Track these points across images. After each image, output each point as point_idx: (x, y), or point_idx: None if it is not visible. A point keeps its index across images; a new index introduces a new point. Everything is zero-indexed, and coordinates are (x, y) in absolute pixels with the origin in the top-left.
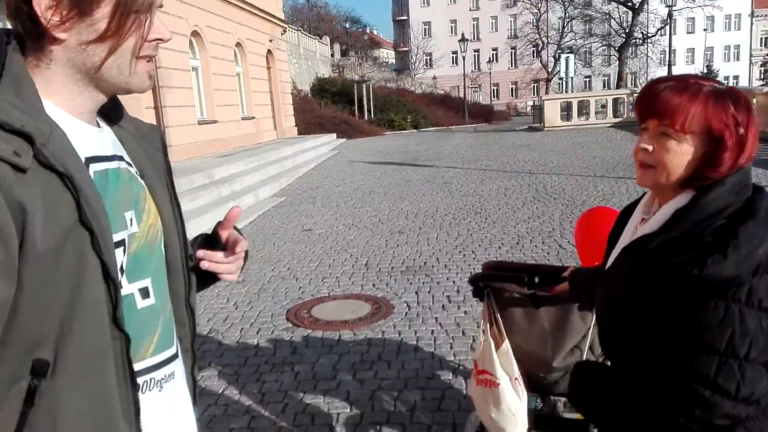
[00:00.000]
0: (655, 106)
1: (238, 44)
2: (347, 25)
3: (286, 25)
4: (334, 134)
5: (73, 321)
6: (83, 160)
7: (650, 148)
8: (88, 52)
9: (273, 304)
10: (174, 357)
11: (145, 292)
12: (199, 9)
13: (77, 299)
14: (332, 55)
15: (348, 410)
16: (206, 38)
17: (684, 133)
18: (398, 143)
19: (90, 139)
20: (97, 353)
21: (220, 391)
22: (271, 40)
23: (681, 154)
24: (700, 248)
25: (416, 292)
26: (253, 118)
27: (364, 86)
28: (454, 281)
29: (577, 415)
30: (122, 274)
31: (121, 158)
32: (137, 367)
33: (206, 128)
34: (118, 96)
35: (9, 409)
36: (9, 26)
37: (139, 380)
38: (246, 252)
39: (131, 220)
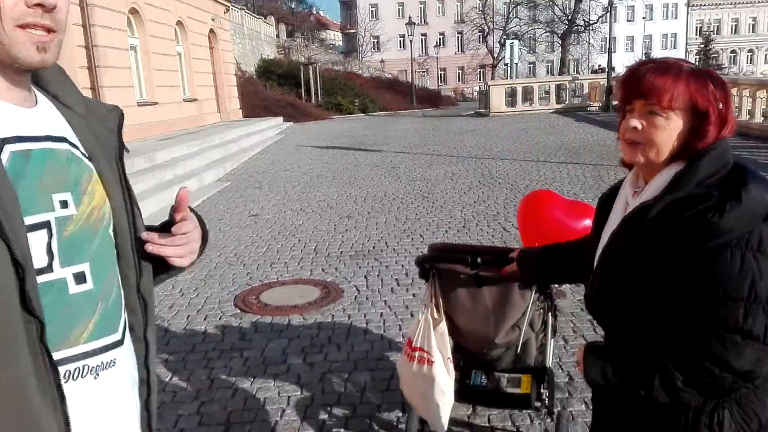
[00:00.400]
0: (641, 87)
1: (178, 23)
2: (293, 5)
3: (228, 4)
4: (281, 117)
5: None
6: None
7: (639, 126)
8: None
9: (220, 291)
10: (117, 344)
11: (80, 277)
12: None
13: None
14: (278, 36)
15: (299, 393)
16: (145, 16)
17: (670, 109)
18: (346, 127)
19: (10, 118)
20: (6, 339)
21: (168, 378)
22: (213, 19)
23: (669, 129)
24: (713, 198)
25: (365, 276)
26: (196, 99)
27: (311, 68)
28: (402, 265)
29: (519, 390)
30: (53, 258)
31: (62, 139)
32: (68, 353)
33: (146, 110)
34: (66, 74)
35: None
36: None
37: (69, 366)
38: (205, 236)
39: (64, 202)
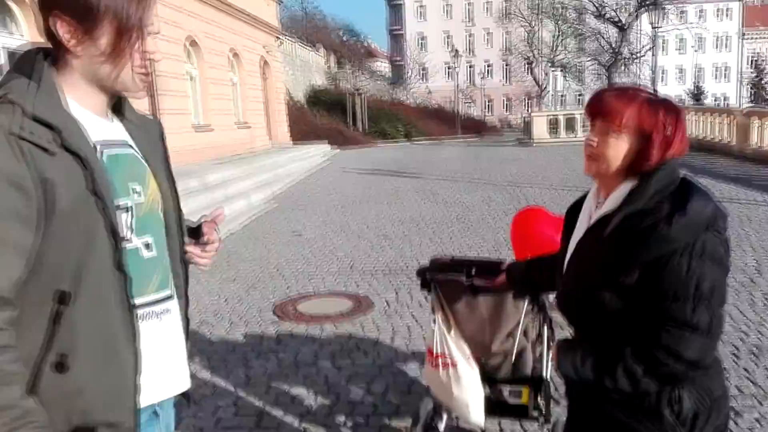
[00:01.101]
0: (599, 108)
1: (234, 53)
2: (343, 36)
3: (281, 35)
4: (327, 144)
5: (87, 263)
6: (94, 145)
7: (594, 142)
8: (96, 64)
9: (261, 300)
10: (169, 297)
11: (148, 246)
12: (195, 16)
13: (90, 247)
14: (328, 66)
15: (326, 392)
16: (203, 46)
17: (620, 130)
18: (390, 154)
19: (102, 129)
20: (104, 288)
21: (209, 374)
22: (267, 50)
23: (618, 147)
24: (663, 211)
25: (396, 291)
26: (248, 125)
27: (359, 97)
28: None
29: (520, 401)
30: (132, 232)
31: (129, 145)
32: (141, 300)
33: (201, 134)
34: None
35: (40, 326)
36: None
37: (142, 311)
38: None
39: (137, 191)
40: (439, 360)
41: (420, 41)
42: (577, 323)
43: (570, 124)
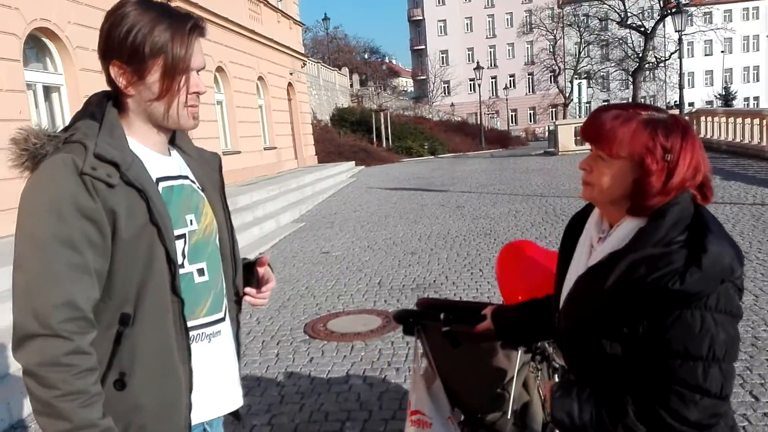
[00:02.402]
0: (592, 131)
1: (260, 78)
2: (366, 56)
3: (306, 59)
4: (353, 162)
5: (146, 287)
6: (154, 179)
7: (587, 168)
8: (148, 104)
9: (292, 319)
10: (221, 320)
11: (201, 272)
12: (224, 46)
13: (149, 273)
14: (351, 85)
15: (358, 409)
16: (230, 73)
17: (612, 157)
18: (415, 170)
19: (160, 164)
20: (161, 310)
21: (244, 393)
22: (291, 73)
23: (610, 176)
24: (675, 263)
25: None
26: (275, 148)
27: (382, 115)
28: (460, 296)
29: None
30: (185, 258)
31: (186, 177)
32: (193, 323)
33: (230, 158)
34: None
35: (105, 347)
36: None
37: (194, 333)
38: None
39: (191, 220)
40: (415, 417)
41: (442, 57)
42: (573, 364)
43: None
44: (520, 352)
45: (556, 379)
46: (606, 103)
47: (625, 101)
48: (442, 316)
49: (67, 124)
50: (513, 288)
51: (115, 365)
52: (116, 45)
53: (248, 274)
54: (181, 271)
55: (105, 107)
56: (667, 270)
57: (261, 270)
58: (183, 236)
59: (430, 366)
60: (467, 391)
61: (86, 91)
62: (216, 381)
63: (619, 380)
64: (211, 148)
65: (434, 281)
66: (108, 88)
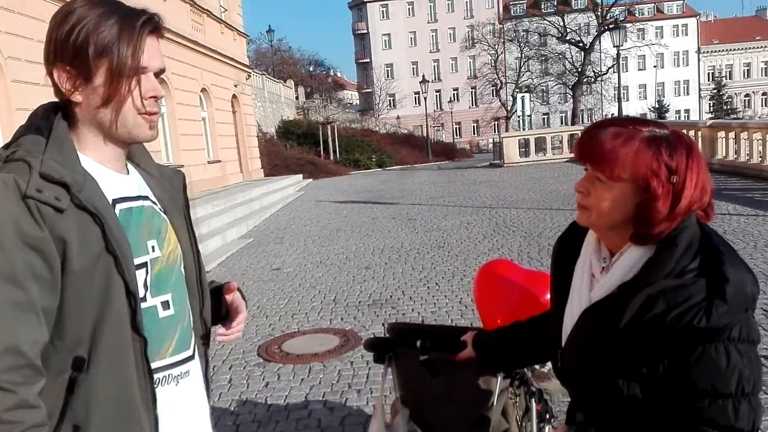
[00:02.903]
0: (589, 151)
1: (203, 90)
2: (311, 68)
3: (250, 70)
4: (300, 175)
5: (103, 326)
6: (110, 201)
7: (584, 190)
8: (95, 110)
9: (244, 342)
10: (190, 358)
11: (165, 305)
12: (165, 57)
13: (105, 309)
14: (297, 98)
15: None
16: (172, 84)
17: (613, 180)
18: (364, 182)
19: (117, 184)
20: (120, 352)
21: None
22: (236, 85)
23: (611, 200)
24: (695, 296)
25: (383, 324)
26: (220, 161)
27: (329, 127)
28: (419, 312)
29: None
30: (147, 290)
31: (146, 198)
32: (158, 364)
33: None
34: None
35: (54, 396)
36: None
37: (159, 375)
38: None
39: (153, 247)
40: None
41: (387, 70)
42: (583, 404)
43: (540, 145)
44: (499, 378)
45: (533, 404)
46: (604, 119)
47: (563, 114)
48: (418, 344)
49: (7, 141)
50: (492, 311)
51: (68, 418)
52: (59, 46)
53: (214, 302)
54: (143, 305)
55: (52, 120)
56: (688, 305)
57: (229, 297)
58: (144, 265)
59: (397, 398)
60: (444, 421)
61: (18, 104)
62: (185, 429)
63: (640, 423)
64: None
65: (391, 296)
66: (56, 99)
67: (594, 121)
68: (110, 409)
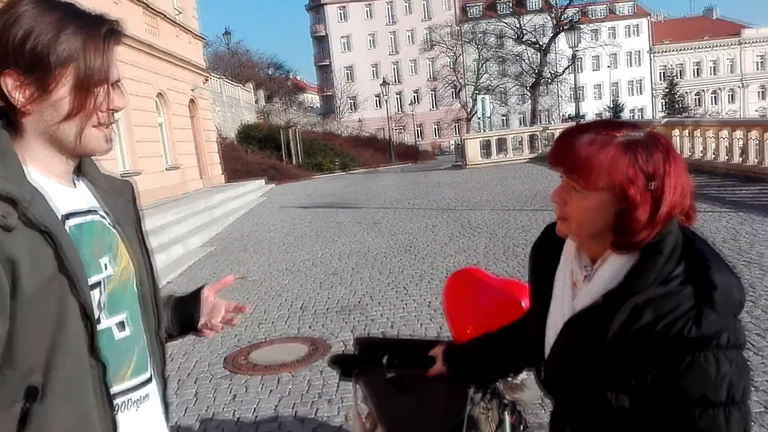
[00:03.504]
0: (563, 159)
1: (159, 94)
2: (270, 71)
3: (207, 74)
4: (263, 180)
5: (58, 352)
6: (60, 217)
7: (559, 201)
8: (54, 125)
9: (209, 353)
10: (148, 381)
11: (121, 326)
12: (119, 61)
13: (60, 334)
14: (257, 101)
15: None
16: (126, 90)
17: (589, 190)
18: (327, 186)
19: (66, 198)
20: (78, 379)
21: None
22: (193, 89)
23: (587, 209)
24: (683, 304)
25: (352, 330)
26: (179, 167)
27: (291, 131)
28: (388, 317)
29: None
30: (101, 311)
31: (95, 212)
32: (117, 389)
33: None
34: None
35: (6, 429)
36: None
37: (118, 400)
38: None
39: (106, 264)
40: None
41: (347, 72)
42: (568, 416)
43: (501, 146)
44: (470, 391)
45: (507, 417)
46: (577, 124)
47: (522, 114)
48: (385, 360)
49: None
50: (462, 321)
51: None
52: (11, 51)
53: (187, 309)
54: (98, 326)
55: None
56: (677, 315)
57: (211, 295)
58: (98, 284)
59: (371, 411)
60: None
61: None
62: None
63: (622, 428)
64: (109, 169)
65: (359, 302)
66: None
67: (552, 120)
68: None
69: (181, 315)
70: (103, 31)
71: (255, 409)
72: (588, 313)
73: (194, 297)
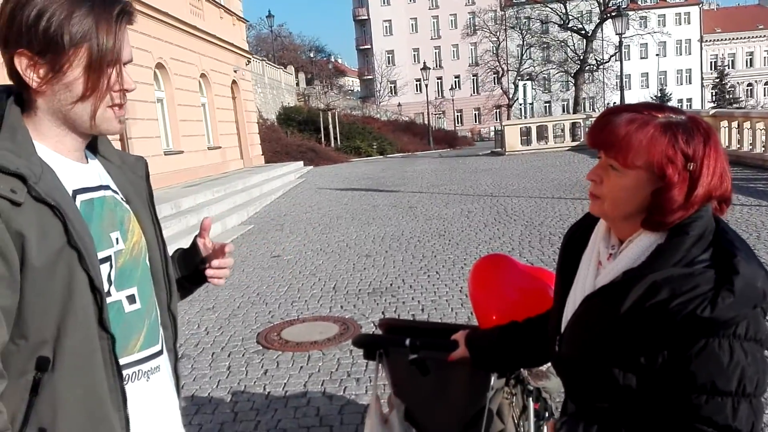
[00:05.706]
0: (603, 137)
1: (202, 75)
2: (311, 54)
3: (250, 56)
4: (301, 162)
5: (67, 324)
6: (70, 192)
7: (596, 179)
8: (67, 105)
9: (243, 329)
10: (159, 353)
11: (131, 299)
12: (164, 41)
13: (69, 306)
14: (297, 84)
15: (318, 425)
16: (171, 70)
17: (627, 167)
18: (364, 170)
19: (77, 174)
20: (87, 351)
21: (194, 412)
22: (235, 71)
23: (625, 188)
24: (702, 286)
25: (383, 312)
26: (219, 147)
27: (330, 114)
28: (419, 301)
29: None
30: (111, 284)
31: (107, 187)
32: (127, 360)
33: (172, 159)
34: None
35: (18, 398)
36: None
37: (128, 371)
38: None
39: (117, 239)
40: None
41: (388, 57)
42: (576, 394)
43: (541, 133)
44: (493, 377)
45: (531, 403)
46: (616, 105)
47: (565, 102)
48: (407, 342)
49: None
50: (487, 308)
51: (32, 421)
52: (24, 31)
53: (191, 254)
54: (108, 299)
55: (4, 106)
56: (693, 294)
57: (202, 242)
58: (108, 259)
59: (392, 393)
60: (436, 421)
61: None
62: (157, 426)
63: (633, 416)
64: (152, 147)
65: (391, 285)
66: (8, 82)
67: (596, 109)
68: (78, 411)
69: (186, 269)
70: (116, 11)
71: (285, 384)
72: (607, 289)
73: (191, 250)
